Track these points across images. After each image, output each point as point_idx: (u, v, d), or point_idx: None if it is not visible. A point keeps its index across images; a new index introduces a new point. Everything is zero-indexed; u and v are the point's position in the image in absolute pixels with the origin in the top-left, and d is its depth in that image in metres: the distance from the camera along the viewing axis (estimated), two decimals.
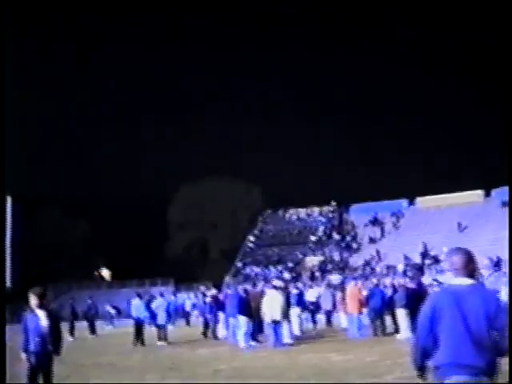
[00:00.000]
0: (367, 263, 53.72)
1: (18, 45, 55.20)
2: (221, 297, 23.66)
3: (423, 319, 4.75)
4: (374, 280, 23.42)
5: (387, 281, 21.93)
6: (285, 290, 20.46)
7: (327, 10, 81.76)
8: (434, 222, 57.07)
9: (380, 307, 20.73)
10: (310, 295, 27.52)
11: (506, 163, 40.42)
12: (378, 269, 51.27)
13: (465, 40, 75.89)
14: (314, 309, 26.25)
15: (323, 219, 63.51)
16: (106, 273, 65.25)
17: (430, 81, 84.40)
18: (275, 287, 18.89)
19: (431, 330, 4.64)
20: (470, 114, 78.21)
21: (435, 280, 38.65)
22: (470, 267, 4.70)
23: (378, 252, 55.35)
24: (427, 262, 51.25)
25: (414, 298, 20.35)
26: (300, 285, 34.48)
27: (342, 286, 32.45)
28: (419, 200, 61.86)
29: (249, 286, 22.41)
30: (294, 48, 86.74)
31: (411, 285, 21.67)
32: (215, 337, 22.10)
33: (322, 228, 62.03)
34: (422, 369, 4.77)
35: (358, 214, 62.95)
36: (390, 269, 50.47)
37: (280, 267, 56.54)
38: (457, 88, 79.80)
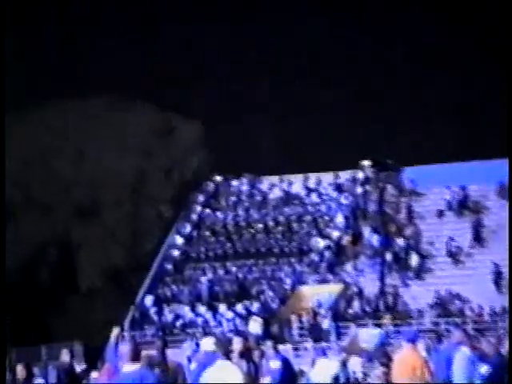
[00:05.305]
0: (440, 300, 34.84)
1: None
2: (96, 376, 16.13)
3: None
4: (458, 334, 13.08)
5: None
6: (251, 361, 13.12)
7: None
8: None
9: None
10: (322, 372, 17.90)
11: None
12: (467, 312, 34.31)
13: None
14: None
15: (343, 199, 40.93)
16: None
17: None
18: (228, 354, 10.84)
19: None
20: None
21: None
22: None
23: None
24: None
25: None
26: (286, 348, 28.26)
27: (383, 352, 22.23)
28: None
29: (169, 351, 13.36)
30: None
31: None
32: None
33: (339, 219, 39.92)
34: None
35: (422, 188, 41.01)
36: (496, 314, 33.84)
37: (242, 306, 37.42)
38: None
